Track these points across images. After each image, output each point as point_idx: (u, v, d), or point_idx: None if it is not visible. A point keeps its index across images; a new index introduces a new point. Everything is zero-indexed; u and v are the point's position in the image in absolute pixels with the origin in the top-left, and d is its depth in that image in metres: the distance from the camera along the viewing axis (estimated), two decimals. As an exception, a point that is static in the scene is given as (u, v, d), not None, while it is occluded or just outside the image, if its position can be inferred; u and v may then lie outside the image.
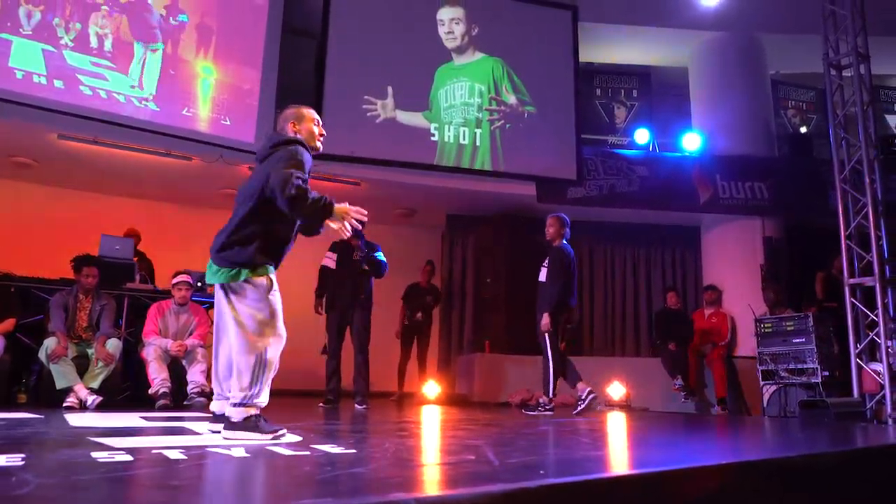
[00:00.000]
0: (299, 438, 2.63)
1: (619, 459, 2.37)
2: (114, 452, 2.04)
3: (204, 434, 2.70)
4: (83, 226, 6.63)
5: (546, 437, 3.14)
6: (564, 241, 5.14)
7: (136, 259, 6.01)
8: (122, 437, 2.62)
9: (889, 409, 4.98)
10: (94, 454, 2.03)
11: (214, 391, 2.81)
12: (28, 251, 5.97)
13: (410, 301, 7.38)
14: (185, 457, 2.01)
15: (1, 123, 5.66)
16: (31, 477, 1.62)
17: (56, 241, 6.55)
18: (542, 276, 5.11)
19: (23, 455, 1.95)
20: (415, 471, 1.87)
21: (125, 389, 5.16)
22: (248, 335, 2.50)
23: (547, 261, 5.12)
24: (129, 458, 1.93)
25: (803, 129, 8.82)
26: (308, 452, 2.20)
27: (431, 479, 1.73)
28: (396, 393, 7.14)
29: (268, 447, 2.31)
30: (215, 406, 2.77)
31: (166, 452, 2.07)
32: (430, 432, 3.28)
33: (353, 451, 2.32)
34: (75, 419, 3.45)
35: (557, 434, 3.31)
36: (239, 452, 2.15)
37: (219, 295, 2.60)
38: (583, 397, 4.88)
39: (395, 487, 1.57)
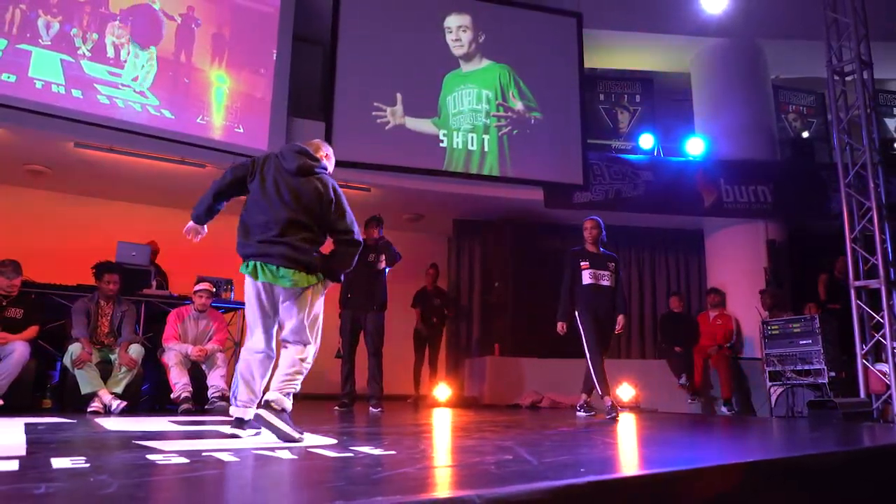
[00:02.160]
0: (334, 441, 2.72)
1: (650, 458, 2.47)
2: (167, 455, 2.12)
3: (241, 437, 2.78)
4: (96, 232, 6.71)
5: (569, 437, 3.23)
6: None
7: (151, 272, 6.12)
8: (163, 440, 2.71)
9: None
10: (150, 456, 2.11)
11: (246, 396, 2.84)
12: (43, 258, 6.03)
13: (421, 306, 7.49)
14: (237, 458, 2.09)
15: (20, 132, 5.74)
16: (106, 478, 1.71)
17: (69, 247, 6.62)
18: (606, 281, 5.06)
19: (84, 458, 2.04)
20: (462, 470, 1.96)
21: (145, 393, 5.24)
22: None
23: (613, 266, 5.11)
24: (185, 460, 2.01)
25: (805, 134, 8.94)
26: (351, 454, 2.28)
27: (483, 477, 1.81)
28: (413, 396, 7.24)
29: (309, 448, 2.40)
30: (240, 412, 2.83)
31: (217, 455, 2.16)
32: (456, 434, 3.37)
33: (393, 452, 2.41)
34: (107, 423, 3.53)
35: (578, 434, 3.40)
36: (286, 454, 2.23)
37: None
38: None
39: (453, 485, 1.66)
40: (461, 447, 2.67)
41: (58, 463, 1.90)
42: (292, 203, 2.74)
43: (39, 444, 2.47)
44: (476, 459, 2.20)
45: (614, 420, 4.47)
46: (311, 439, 2.70)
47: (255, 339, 2.83)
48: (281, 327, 2.83)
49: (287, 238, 2.71)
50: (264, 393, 2.76)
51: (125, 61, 5.95)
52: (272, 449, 2.36)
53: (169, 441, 2.69)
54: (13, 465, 1.85)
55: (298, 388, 2.77)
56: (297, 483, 1.65)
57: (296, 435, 2.59)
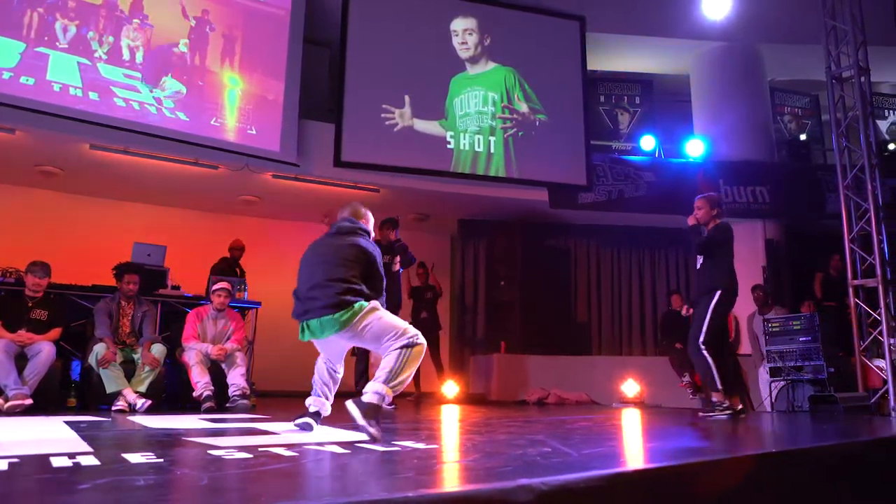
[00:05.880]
0: (376, 437, 2.84)
1: (679, 449, 2.62)
2: (228, 451, 2.22)
3: (281, 434, 2.90)
4: (110, 233, 6.78)
5: (592, 430, 3.37)
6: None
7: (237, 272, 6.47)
8: (211, 436, 2.81)
9: (892, 403, 5.29)
10: (212, 452, 2.22)
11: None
12: (58, 258, 6.06)
13: (414, 302, 7.61)
14: (296, 453, 2.21)
15: (37, 134, 5.80)
16: (189, 472, 1.83)
17: (84, 248, 6.69)
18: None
19: (152, 453, 2.15)
20: (513, 461, 2.08)
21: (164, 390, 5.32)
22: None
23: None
24: (248, 455, 2.12)
25: (803, 137, 9.15)
26: (399, 448, 2.40)
27: (535, 467, 1.94)
28: (414, 393, 7.34)
29: (356, 444, 2.51)
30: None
31: (274, 450, 2.27)
32: (483, 429, 3.50)
33: (436, 445, 2.53)
34: (143, 421, 3.63)
35: (599, 428, 3.54)
36: (336, 449, 2.34)
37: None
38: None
39: (514, 474, 1.78)
40: (497, 441, 2.79)
41: (132, 458, 2.00)
42: (329, 258, 2.90)
43: (97, 441, 2.57)
44: (519, 452, 2.33)
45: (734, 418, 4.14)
46: (349, 435, 2.83)
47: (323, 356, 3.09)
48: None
49: (324, 289, 2.82)
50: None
51: (140, 64, 6.02)
52: (321, 444, 2.48)
53: (218, 437, 2.79)
54: (93, 461, 1.95)
55: (398, 376, 2.74)
56: (372, 474, 1.77)
57: (372, 430, 2.65)
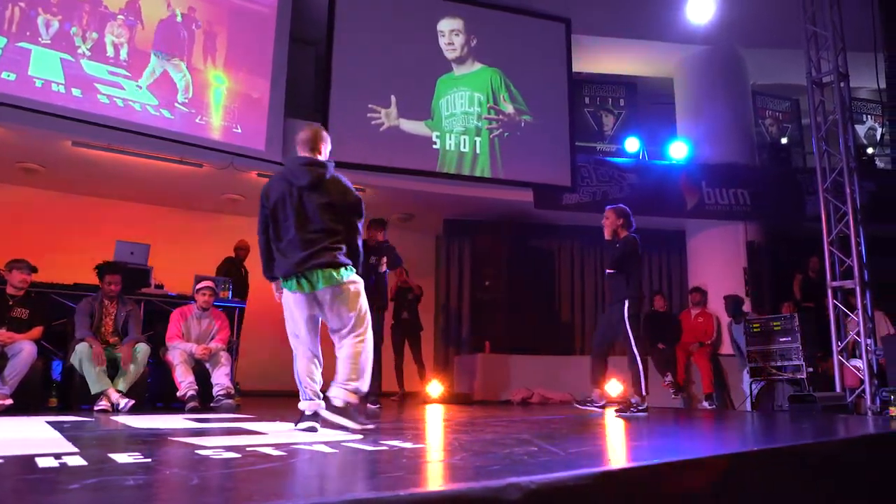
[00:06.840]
0: (359, 436, 2.85)
1: (663, 448, 2.66)
2: (215, 450, 2.22)
3: (268, 433, 2.90)
4: (93, 231, 6.70)
5: (576, 429, 3.41)
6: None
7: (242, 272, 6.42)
8: (198, 437, 2.80)
9: (868, 402, 5.40)
10: (200, 452, 2.22)
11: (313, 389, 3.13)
12: (39, 256, 5.99)
13: (395, 302, 7.57)
14: (284, 453, 2.21)
15: (18, 130, 5.72)
16: (179, 471, 1.82)
17: (66, 246, 6.60)
18: None
19: (139, 453, 2.14)
20: (501, 460, 2.10)
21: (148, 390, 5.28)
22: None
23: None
24: (236, 454, 2.12)
25: (783, 140, 9.30)
26: (386, 447, 2.41)
27: (522, 466, 1.96)
28: (398, 393, 7.34)
29: (343, 443, 2.52)
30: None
31: (262, 449, 2.27)
32: (469, 429, 3.52)
33: (422, 445, 2.55)
34: (127, 421, 3.60)
35: (582, 427, 3.58)
36: (324, 448, 2.35)
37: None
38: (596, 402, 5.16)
39: (503, 473, 1.80)
40: (484, 440, 2.81)
41: (119, 458, 1.99)
42: (314, 215, 2.94)
43: (82, 441, 2.55)
44: (506, 451, 2.35)
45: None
46: (336, 435, 2.83)
47: (302, 342, 3.09)
48: (332, 328, 3.07)
49: (317, 247, 2.92)
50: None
51: (125, 61, 5.96)
52: (309, 444, 2.48)
53: (204, 437, 2.78)
54: (80, 461, 1.94)
55: (361, 376, 3.00)
56: (362, 473, 1.78)
57: (357, 426, 2.85)
